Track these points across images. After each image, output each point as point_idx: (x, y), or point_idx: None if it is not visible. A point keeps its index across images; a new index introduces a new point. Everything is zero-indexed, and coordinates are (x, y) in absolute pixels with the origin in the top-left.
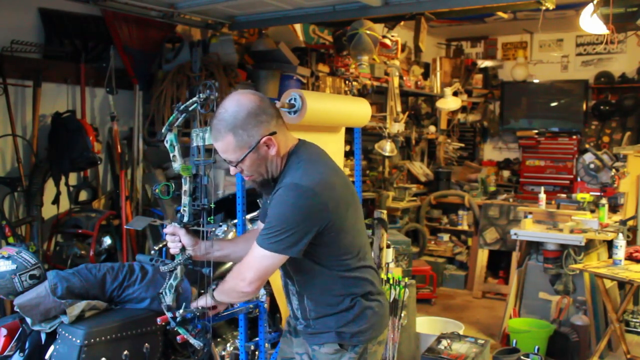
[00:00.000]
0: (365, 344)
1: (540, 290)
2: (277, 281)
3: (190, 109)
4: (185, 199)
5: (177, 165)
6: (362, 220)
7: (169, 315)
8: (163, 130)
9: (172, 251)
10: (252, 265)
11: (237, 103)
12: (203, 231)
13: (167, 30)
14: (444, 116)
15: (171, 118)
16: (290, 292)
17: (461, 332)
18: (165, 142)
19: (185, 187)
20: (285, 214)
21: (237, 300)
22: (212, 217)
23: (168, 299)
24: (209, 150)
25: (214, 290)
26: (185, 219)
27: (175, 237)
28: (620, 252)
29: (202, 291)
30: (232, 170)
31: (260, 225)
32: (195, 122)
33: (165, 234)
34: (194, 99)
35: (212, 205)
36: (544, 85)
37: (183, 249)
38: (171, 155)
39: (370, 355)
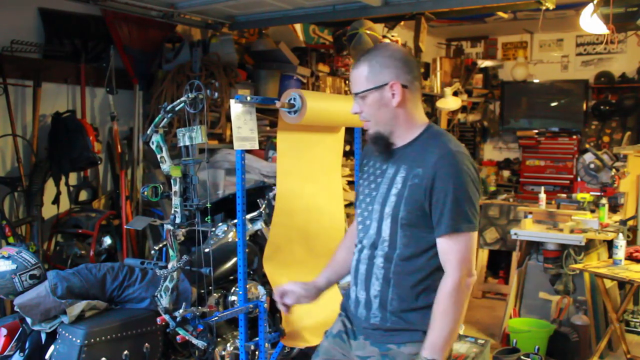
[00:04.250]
0: (451, 346)
1: (540, 290)
2: (277, 281)
3: (177, 109)
4: (176, 200)
5: (165, 166)
6: None
7: (166, 317)
8: (148, 132)
9: (284, 311)
10: (464, 255)
11: (395, 46)
12: (198, 231)
13: (167, 30)
14: (444, 116)
15: (157, 119)
16: (373, 275)
17: (461, 332)
18: (150, 144)
19: (176, 188)
20: (465, 183)
21: (467, 301)
22: (209, 217)
23: (164, 301)
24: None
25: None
26: (178, 220)
27: (294, 295)
28: (620, 252)
29: (202, 291)
30: (355, 107)
31: (260, 225)
32: (195, 120)
33: (278, 299)
34: (182, 99)
35: (209, 205)
36: (544, 85)
37: (180, 253)
38: (159, 156)
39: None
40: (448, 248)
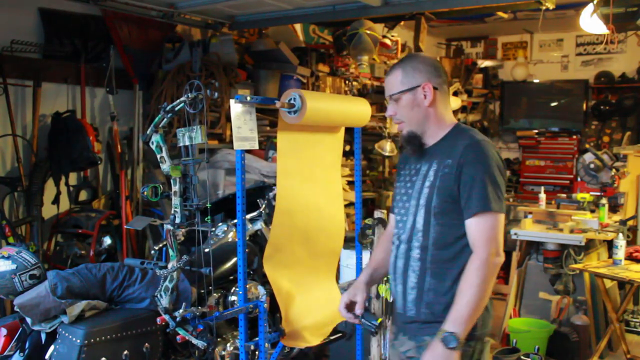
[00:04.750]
0: (483, 339)
1: (540, 290)
2: (277, 281)
3: (177, 109)
4: (176, 200)
5: (165, 166)
6: None
7: (166, 317)
8: (148, 132)
9: (351, 321)
10: (492, 234)
11: (424, 55)
12: (198, 231)
13: (167, 30)
14: None
15: (157, 119)
16: (410, 267)
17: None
18: (150, 144)
19: (175, 188)
20: (491, 167)
21: (493, 281)
22: (209, 217)
23: (164, 301)
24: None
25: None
26: (178, 220)
27: (360, 303)
28: (620, 252)
29: (202, 291)
30: (389, 109)
31: (260, 225)
32: (195, 120)
33: (344, 311)
34: (182, 99)
35: (209, 205)
36: (544, 85)
37: (180, 253)
38: (159, 156)
39: (486, 353)
40: (476, 228)
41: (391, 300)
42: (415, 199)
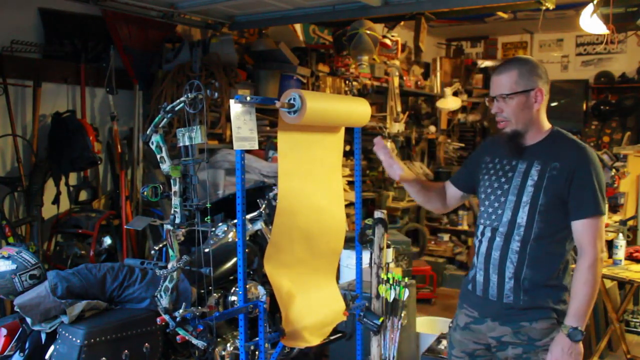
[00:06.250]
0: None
1: None
2: (277, 281)
3: (177, 109)
4: (175, 200)
5: (165, 166)
6: None
7: (166, 317)
8: (148, 132)
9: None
10: (599, 235)
11: (535, 60)
12: (198, 231)
13: (167, 30)
14: (444, 116)
15: (157, 119)
16: (508, 259)
17: None
18: (150, 144)
19: (175, 188)
20: (599, 174)
21: (601, 275)
22: (209, 217)
23: (164, 301)
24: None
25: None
26: (178, 220)
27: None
28: (621, 252)
29: (202, 291)
30: (494, 107)
31: (260, 225)
32: (194, 120)
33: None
34: (181, 99)
35: (209, 205)
36: None
37: (180, 253)
38: (158, 156)
39: None
40: (586, 229)
41: (470, 288)
42: (515, 195)
